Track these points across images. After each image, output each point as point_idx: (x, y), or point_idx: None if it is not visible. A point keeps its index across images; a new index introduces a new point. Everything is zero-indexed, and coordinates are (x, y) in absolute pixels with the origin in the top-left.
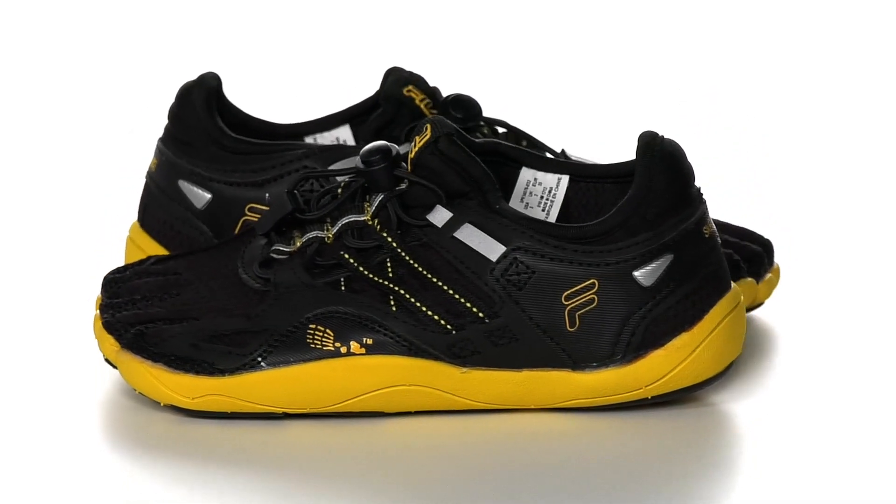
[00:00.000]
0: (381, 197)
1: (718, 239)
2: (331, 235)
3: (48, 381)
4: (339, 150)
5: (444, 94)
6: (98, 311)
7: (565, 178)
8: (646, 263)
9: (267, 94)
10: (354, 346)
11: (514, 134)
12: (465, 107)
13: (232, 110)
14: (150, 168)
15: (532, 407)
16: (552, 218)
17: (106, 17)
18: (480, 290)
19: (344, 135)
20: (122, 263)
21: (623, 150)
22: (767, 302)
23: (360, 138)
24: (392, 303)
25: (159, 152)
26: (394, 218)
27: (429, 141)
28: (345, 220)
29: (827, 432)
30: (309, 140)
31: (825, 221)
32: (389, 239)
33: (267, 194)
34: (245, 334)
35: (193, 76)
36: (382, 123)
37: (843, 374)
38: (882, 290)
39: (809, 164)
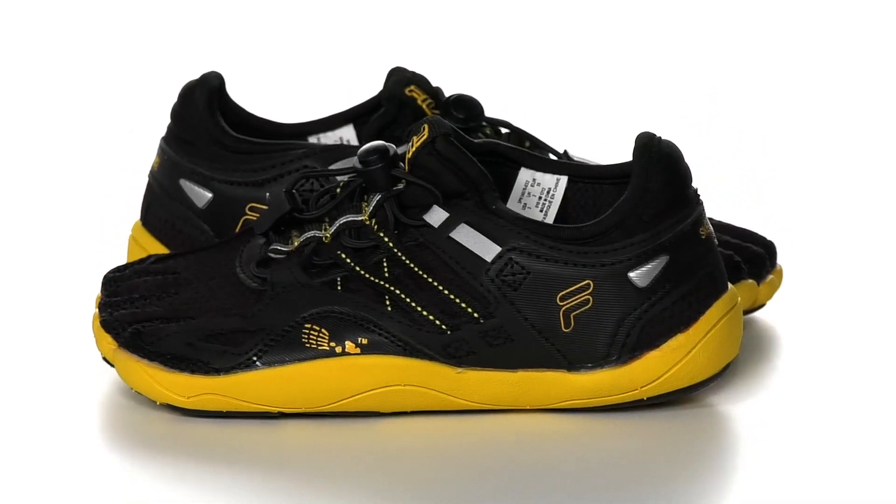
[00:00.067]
0: (378, 197)
1: (715, 240)
2: (328, 235)
3: (47, 378)
4: (340, 150)
5: (448, 94)
6: (97, 310)
7: (564, 179)
8: (641, 264)
9: (274, 94)
10: (349, 345)
11: (517, 134)
12: (466, 107)
13: (235, 109)
14: (152, 167)
15: (527, 407)
16: (550, 218)
17: (114, 16)
18: (475, 291)
19: (348, 134)
20: (124, 262)
21: (625, 151)
22: (769, 303)
23: (363, 138)
24: (387, 303)
25: (162, 151)
26: (391, 218)
27: (426, 141)
28: (342, 220)
29: (825, 435)
30: (313, 140)
31: (825, 221)
32: (386, 239)
33: (267, 194)
34: (241, 333)
35: (199, 76)
36: (384, 124)
37: (843, 377)
38: (882, 290)
39: (810, 165)
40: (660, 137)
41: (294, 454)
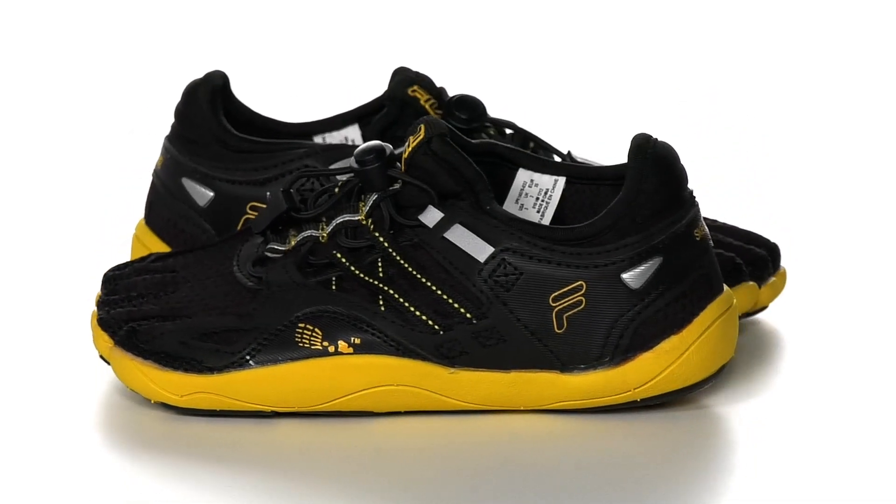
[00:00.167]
0: (375, 196)
1: (710, 242)
2: (325, 235)
3: (45, 376)
4: (341, 150)
5: (453, 94)
6: (96, 308)
7: (561, 180)
8: (634, 266)
9: (283, 94)
10: (342, 345)
11: (521, 135)
12: (469, 107)
13: (240, 108)
14: (156, 166)
15: (520, 408)
16: (547, 219)
17: (122, 15)
18: (468, 291)
19: (353, 134)
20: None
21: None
22: (772, 305)
23: (367, 139)
24: (381, 302)
25: (165, 150)
26: (387, 218)
27: (422, 141)
28: (339, 220)
29: (822, 438)
30: (318, 139)
31: (826, 221)
32: (381, 239)
33: (268, 193)
34: (235, 332)
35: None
36: (387, 124)
37: (843, 380)
38: (882, 289)
39: (810, 165)
40: (655, 139)
41: (287, 453)
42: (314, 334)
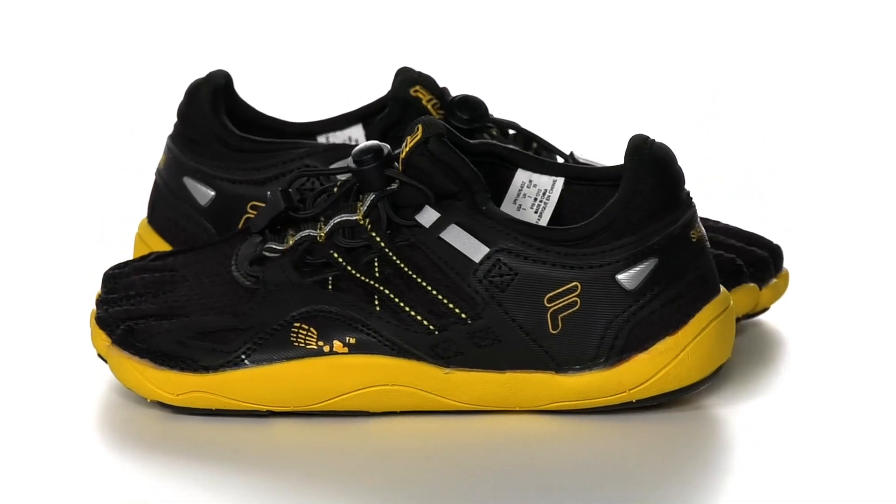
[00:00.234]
0: (372, 196)
1: (707, 243)
2: (323, 234)
3: (44, 374)
4: (342, 150)
5: (455, 94)
6: (95, 307)
7: (560, 181)
8: (629, 267)
9: (289, 94)
10: (337, 345)
11: (524, 136)
12: (471, 107)
13: (244, 108)
14: (159, 165)
15: (516, 409)
16: (544, 220)
17: (131, 15)
18: (463, 292)
19: (356, 134)
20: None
21: None
22: (773, 307)
23: (370, 139)
24: (376, 302)
25: (168, 149)
26: (384, 218)
27: (419, 141)
28: (337, 220)
29: (820, 441)
30: (321, 139)
31: (826, 221)
32: (378, 239)
33: (269, 192)
34: (231, 332)
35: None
36: (389, 124)
37: (843, 382)
38: (883, 290)
39: (810, 164)
40: (652, 140)
41: (282, 453)
42: (309, 334)
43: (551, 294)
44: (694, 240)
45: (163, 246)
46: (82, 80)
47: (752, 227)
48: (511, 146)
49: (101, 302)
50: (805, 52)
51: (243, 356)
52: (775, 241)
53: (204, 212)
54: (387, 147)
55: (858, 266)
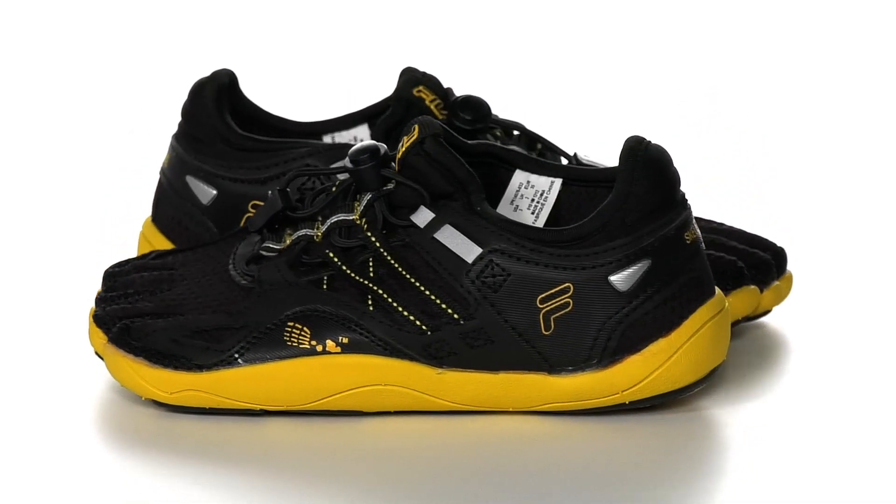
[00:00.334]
0: (369, 196)
1: (703, 245)
2: (319, 234)
3: (42, 371)
4: (343, 149)
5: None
6: (94, 304)
7: (558, 182)
8: (622, 268)
9: (299, 93)
10: (330, 344)
11: (528, 137)
12: (474, 108)
13: (249, 107)
14: (163, 164)
15: (509, 409)
16: (541, 221)
17: (140, 15)
18: (456, 292)
19: (362, 134)
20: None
21: None
22: (776, 309)
23: (374, 139)
24: (369, 302)
25: (172, 148)
26: (380, 218)
27: (415, 141)
28: (334, 219)
29: (816, 443)
30: (327, 139)
31: (826, 221)
32: (373, 239)
33: (270, 191)
34: (225, 331)
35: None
36: (392, 124)
37: (841, 384)
38: (884, 290)
39: (810, 164)
40: (648, 141)
41: (275, 452)
42: (303, 333)
43: (544, 295)
44: (688, 242)
45: (166, 244)
46: (87, 80)
47: (751, 228)
48: (509, 147)
49: (99, 300)
50: (805, 52)
51: (237, 355)
52: (777, 243)
53: (206, 211)
54: (383, 147)
55: (860, 266)
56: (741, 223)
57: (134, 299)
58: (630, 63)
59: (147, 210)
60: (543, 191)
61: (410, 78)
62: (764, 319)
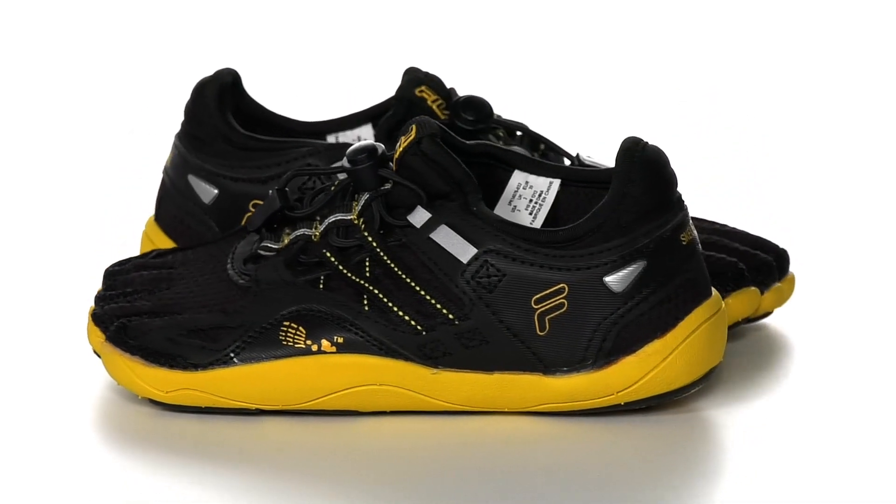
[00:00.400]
0: (366, 196)
1: (699, 246)
2: (317, 234)
3: (41, 369)
4: (344, 149)
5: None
6: (94, 303)
7: (556, 183)
8: (617, 269)
9: (307, 93)
10: (325, 344)
11: (531, 137)
12: (476, 108)
13: (252, 106)
14: (166, 163)
15: (504, 409)
16: (539, 221)
17: (149, 14)
18: (451, 292)
19: (366, 134)
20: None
21: None
22: (778, 311)
23: (377, 139)
24: (365, 302)
25: (174, 147)
26: (377, 218)
27: (412, 141)
28: (332, 219)
29: (813, 446)
30: (331, 138)
31: (827, 221)
32: (370, 238)
33: (270, 191)
34: (221, 330)
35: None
36: (394, 124)
37: (839, 387)
38: (884, 291)
39: (810, 164)
40: (645, 142)
41: (270, 451)
42: (298, 332)
43: (538, 296)
44: (684, 243)
45: (169, 244)
46: (91, 80)
47: (751, 228)
48: (508, 147)
49: (98, 298)
50: (805, 52)
51: (232, 354)
52: (778, 244)
53: (208, 210)
54: (381, 147)
55: (861, 267)
56: (741, 223)
57: (133, 298)
58: (630, 63)
59: (147, 210)
60: (542, 191)
61: (413, 78)
62: (765, 321)
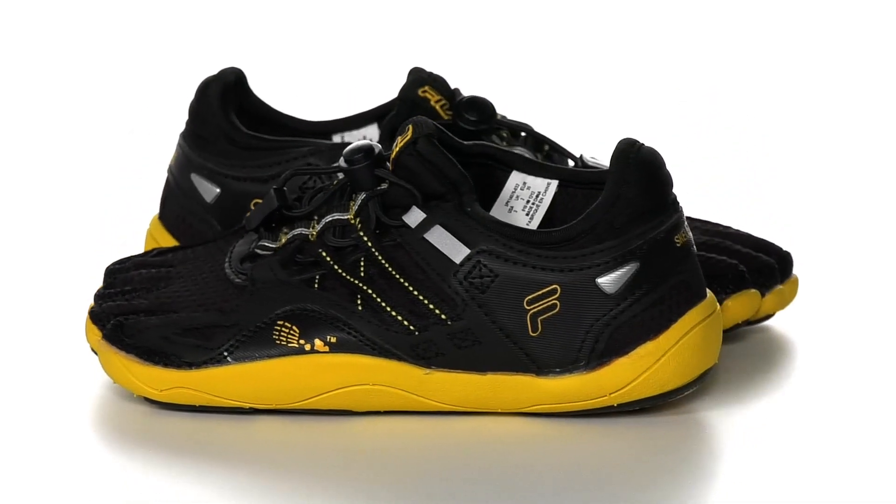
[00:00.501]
0: (363, 196)
1: (694, 248)
2: (314, 233)
3: (40, 367)
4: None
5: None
6: (93, 301)
7: (554, 184)
8: (610, 271)
9: (315, 92)
10: (318, 343)
11: (535, 138)
12: (478, 109)
13: (258, 106)
14: (170, 162)
15: (498, 410)
16: (536, 222)
17: (157, 14)
18: (444, 292)
19: (372, 133)
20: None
21: None
22: (780, 313)
23: (381, 139)
24: (359, 302)
25: (179, 146)
26: (373, 217)
27: (408, 141)
28: (329, 218)
29: (810, 448)
30: (337, 138)
31: (827, 221)
32: (366, 238)
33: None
34: (216, 328)
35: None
36: (397, 124)
37: (839, 391)
38: (884, 291)
39: (810, 164)
40: (641, 144)
41: (264, 450)
42: (292, 332)
43: (531, 296)
44: (679, 245)
45: (171, 242)
46: (94, 79)
47: (751, 228)
48: (505, 148)
49: (98, 296)
50: (804, 52)
51: (226, 353)
52: (782, 246)
53: (210, 209)
54: (378, 147)
55: (862, 267)
56: (741, 223)
57: (131, 296)
58: (631, 64)
59: (147, 209)
60: (539, 192)
61: (416, 78)
62: (767, 323)
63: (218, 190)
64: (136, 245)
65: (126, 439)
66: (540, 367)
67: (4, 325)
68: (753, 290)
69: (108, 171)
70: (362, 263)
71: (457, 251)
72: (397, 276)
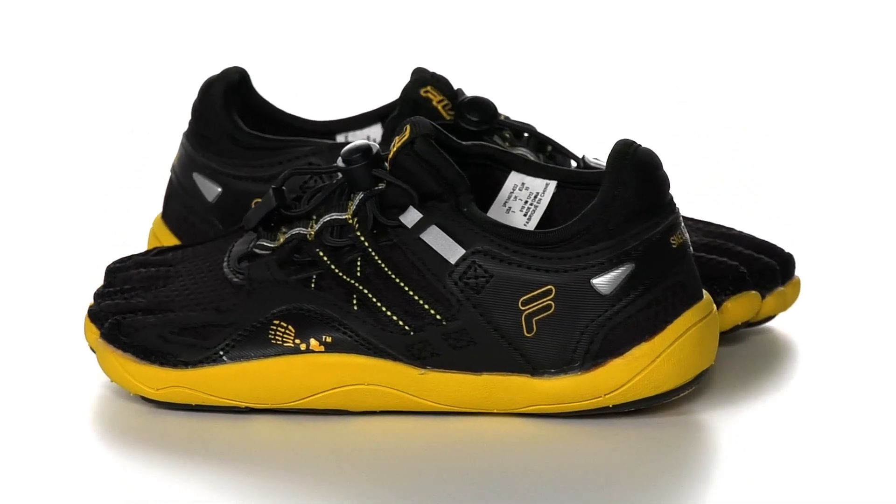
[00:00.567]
0: (361, 196)
1: (690, 249)
2: (312, 233)
3: (39, 366)
4: None
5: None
6: (92, 300)
7: (552, 184)
8: (605, 272)
9: (321, 93)
10: (314, 343)
11: (538, 139)
12: (480, 109)
13: (261, 105)
14: (174, 162)
15: (493, 411)
16: (533, 223)
17: (164, 14)
18: (439, 293)
19: (375, 133)
20: None
21: None
22: (781, 315)
23: (383, 139)
24: (354, 302)
25: (181, 145)
26: (370, 217)
27: (406, 142)
28: (327, 218)
29: (807, 450)
30: (340, 138)
31: (827, 221)
32: (363, 238)
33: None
34: (212, 328)
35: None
36: (398, 124)
37: (839, 393)
38: (884, 291)
39: (810, 164)
40: (637, 145)
41: (260, 450)
42: (287, 331)
43: (526, 297)
44: (674, 246)
45: (175, 241)
46: (97, 79)
47: (751, 228)
48: (504, 148)
49: (98, 295)
50: (804, 52)
51: (222, 352)
52: (783, 247)
53: (211, 208)
54: (376, 147)
55: (866, 268)
56: (741, 223)
57: (129, 295)
58: (631, 64)
59: (148, 208)
60: (537, 193)
61: (419, 78)
62: (768, 325)
63: (219, 189)
64: (137, 244)
65: (122, 438)
66: (535, 367)
67: (5, 324)
68: (753, 292)
69: (109, 170)
70: (359, 263)
71: (452, 251)
72: (393, 276)
